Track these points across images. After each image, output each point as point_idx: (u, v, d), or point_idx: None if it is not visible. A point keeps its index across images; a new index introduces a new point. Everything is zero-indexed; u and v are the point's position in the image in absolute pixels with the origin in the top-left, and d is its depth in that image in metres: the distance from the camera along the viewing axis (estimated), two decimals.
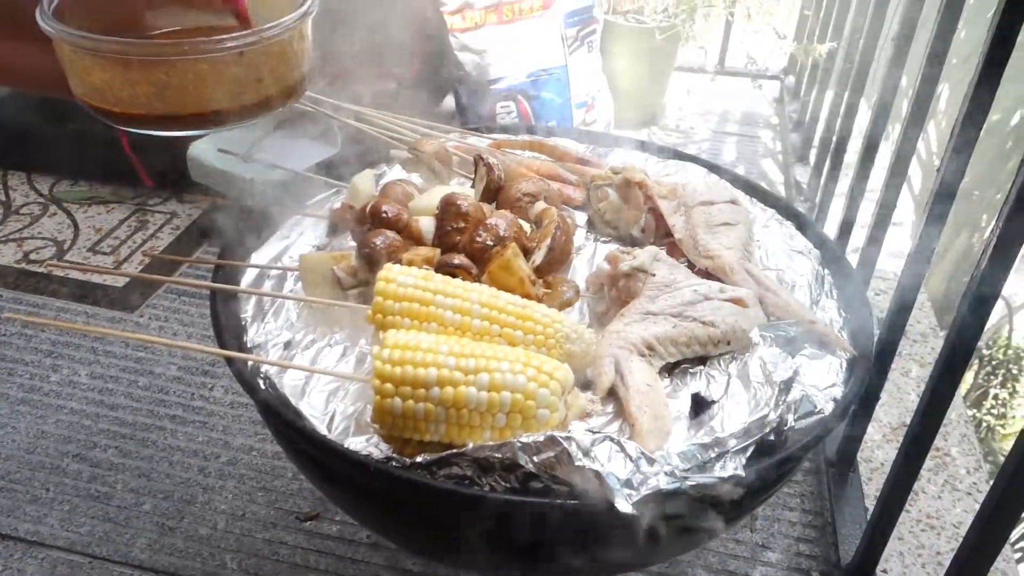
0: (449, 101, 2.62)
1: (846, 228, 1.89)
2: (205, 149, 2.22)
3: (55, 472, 1.64)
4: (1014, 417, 3.50)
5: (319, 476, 0.96)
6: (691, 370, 0.99)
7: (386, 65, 2.15)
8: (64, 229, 2.33)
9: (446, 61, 2.30)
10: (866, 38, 1.95)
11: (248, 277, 1.13)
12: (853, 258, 1.66)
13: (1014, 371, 3.59)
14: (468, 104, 2.37)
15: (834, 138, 2.18)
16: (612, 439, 0.81)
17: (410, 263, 1.02)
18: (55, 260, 2.19)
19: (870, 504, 1.53)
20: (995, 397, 3.55)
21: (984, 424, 3.46)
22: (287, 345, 1.01)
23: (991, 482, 1.71)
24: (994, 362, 3.65)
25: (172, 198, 2.46)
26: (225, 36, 1.00)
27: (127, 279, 2.13)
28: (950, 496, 1.62)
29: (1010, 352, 3.64)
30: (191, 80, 1.00)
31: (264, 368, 0.96)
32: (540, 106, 2.34)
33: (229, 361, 0.97)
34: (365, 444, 0.87)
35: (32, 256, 2.21)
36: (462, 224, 1.10)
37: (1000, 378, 3.58)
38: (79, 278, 2.15)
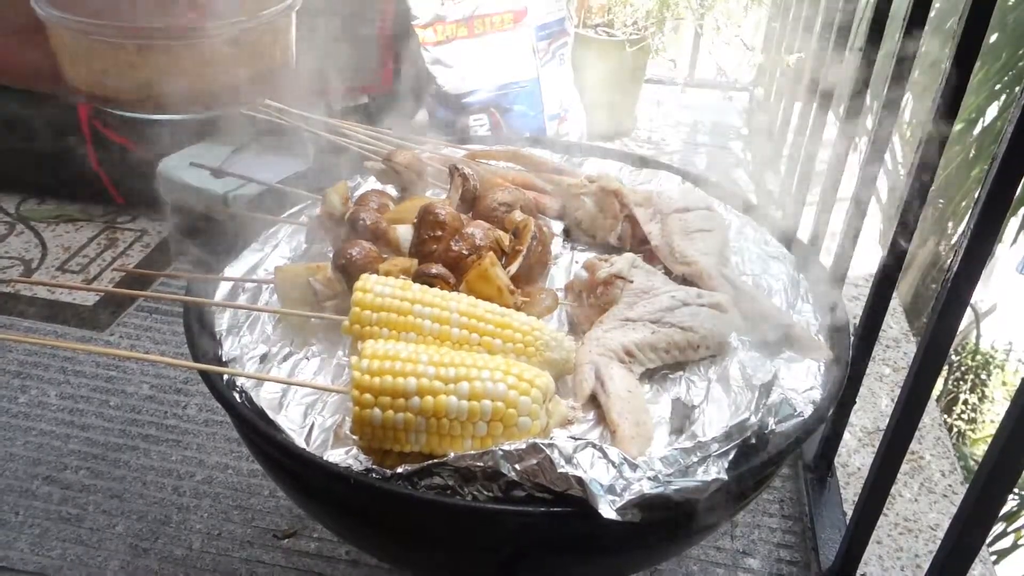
0: (422, 115, 2.63)
1: (817, 236, 1.91)
2: (176, 166, 2.20)
3: (24, 495, 1.60)
4: (983, 422, 3.55)
5: (298, 490, 0.94)
6: (671, 375, 0.99)
7: (359, 79, 2.15)
8: (32, 248, 2.29)
9: (418, 74, 2.30)
10: (832, 49, 1.98)
11: (223, 290, 1.12)
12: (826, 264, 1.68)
13: (983, 376, 3.65)
14: (441, 117, 2.37)
15: (803, 148, 2.20)
16: (594, 445, 0.80)
17: (387, 274, 1.01)
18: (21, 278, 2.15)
19: (848, 508, 1.54)
20: (965, 402, 3.60)
21: (955, 429, 3.51)
22: (263, 358, 1.00)
23: (965, 485, 1.73)
24: (963, 368, 3.70)
25: (141, 216, 2.43)
26: (222, 21, 1.00)
27: (97, 297, 2.10)
28: (926, 499, 1.63)
29: (978, 358, 3.70)
30: (188, 63, 0.99)
31: (240, 382, 0.95)
32: (513, 119, 2.34)
33: (204, 375, 0.95)
34: (344, 456, 0.86)
35: None
36: (439, 233, 1.10)
37: (969, 384, 3.64)
38: (47, 297, 2.11)
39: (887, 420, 1.76)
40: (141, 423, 1.77)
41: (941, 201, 3.60)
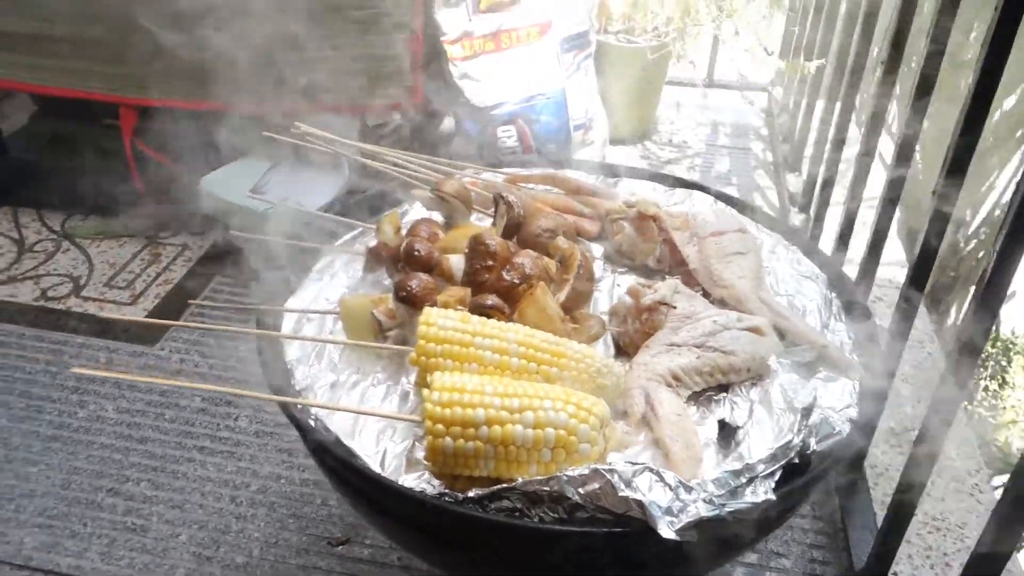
0: (448, 123, 2.69)
1: (843, 240, 1.96)
2: (216, 182, 2.28)
3: (91, 507, 1.69)
4: (1004, 408, 3.59)
5: (372, 511, 1.02)
6: (715, 397, 1.05)
7: (390, 97, 2.22)
8: (79, 265, 2.37)
9: (446, 89, 2.36)
10: (855, 55, 2.03)
11: (288, 320, 1.19)
12: (851, 268, 1.74)
13: (1003, 363, 3.68)
14: (469, 129, 2.43)
15: (826, 149, 2.25)
16: (652, 470, 0.87)
17: (445, 305, 1.08)
18: (75, 295, 2.24)
19: (877, 509, 1.60)
20: (985, 388, 3.64)
21: (976, 416, 3.55)
22: (333, 386, 1.07)
23: (991, 479, 1.79)
24: (983, 355, 3.73)
25: (182, 231, 2.51)
26: None
27: (145, 312, 2.18)
28: (954, 497, 1.69)
29: (999, 345, 3.73)
30: None
31: (315, 409, 1.02)
32: (540, 129, 2.40)
33: (283, 405, 1.03)
34: (417, 481, 0.93)
35: (50, 293, 2.26)
36: (490, 263, 1.16)
37: (989, 370, 3.67)
38: (97, 313, 2.19)
39: (912, 421, 1.83)
40: (195, 435, 1.85)
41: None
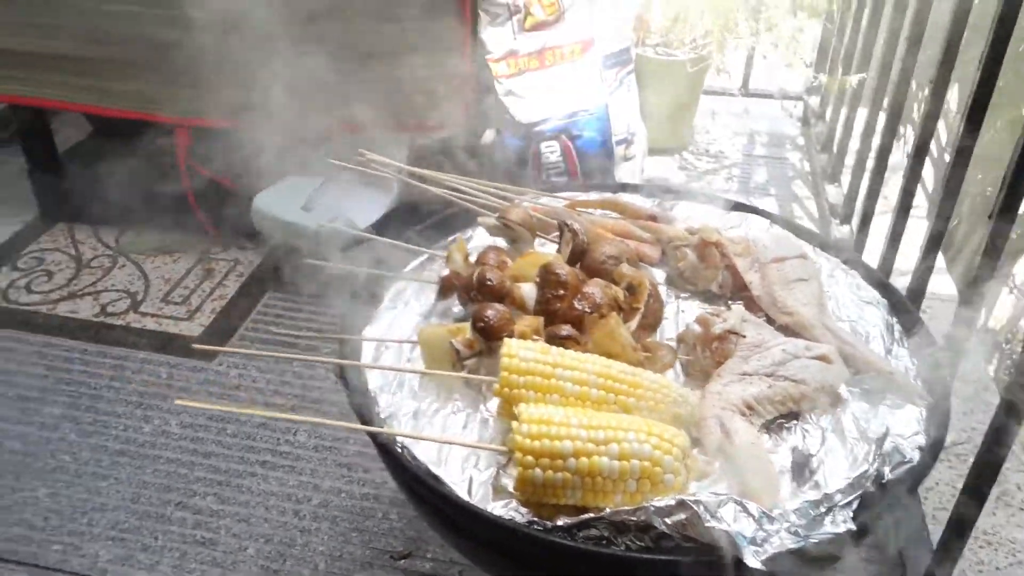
0: (488, 135, 2.73)
1: (889, 256, 1.99)
2: (269, 200, 2.33)
3: (161, 520, 1.75)
4: None
5: (457, 535, 1.06)
6: (786, 424, 1.09)
7: (439, 115, 2.27)
8: (135, 280, 2.44)
9: (491, 106, 2.40)
10: (901, 70, 2.05)
11: (367, 349, 1.24)
12: (899, 281, 1.77)
13: None
14: (512, 144, 2.47)
15: (870, 160, 2.26)
16: (736, 500, 0.91)
17: (522, 335, 1.13)
18: (133, 310, 2.30)
19: (930, 523, 1.62)
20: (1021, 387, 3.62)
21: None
22: (415, 414, 1.12)
23: None
24: (1014, 356, 3.72)
25: (233, 246, 2.57)
26: None
27: (202, 328, 2.25)
28: (1004, 512, 1.71)
29: None
30: None
31: (400, 438, 1.07)
32: (583, 144, 2.44)
33: (371, 434, 1.07)
34: (505, 509, 0.98)
35: (109, 309, 2.32)
36: (561, 292, 1.20)
37: None
38: (155, 329, 2.26)
39: (961, 434, 1.85)
40: (257, 450, 1.91)
41: (990, 189, 3.63)
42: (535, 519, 0.96)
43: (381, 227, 2.26)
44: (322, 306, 2.27)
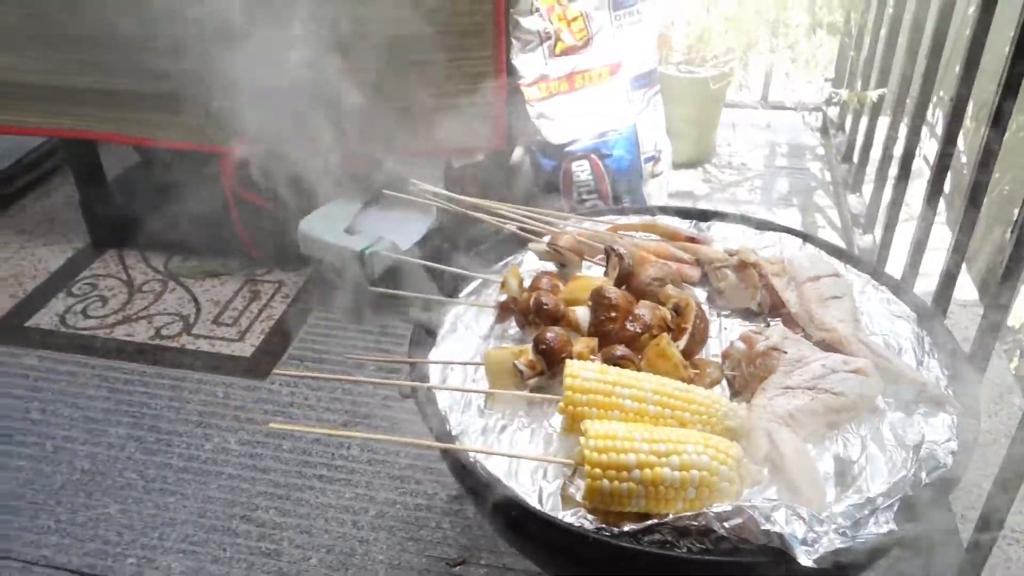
0: (517, 153, 2.83)
1: (915, 263, 2.07)
2: (314, 224, 2.44)
3: (227, 533, 1.85)
4: None
5: (531, 544, 1.16)
6: (827, 434, 1.18)
7: (476, 140, 2.38)
8: (186, 304, 2.55)
9: (524, 129, 2.50)
10: (922, 86, 2.14)
11: (435, 371, 1.33)
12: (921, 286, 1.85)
13: None
14: (544, 164, 2.57)
15: (893, 170, 2.34)
16: (787, 505, 1.00)
17: (581, 356, 1.22)
18: (186, 333, 2.41)
19: (957, 522, 1.70)
20: None
21: None
22: (483, 431, 1.21)
23: None
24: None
25: (276, 268, 2.68)
26: None
27: (253, 348, 2.35)
28: None
29: None
30: None
31: (473, 453, 1.16)
32: (612, 163, 2.53)
33: (444, 451, 1.17)
34: (574, 517, 1.07)
35: (163, 332, 2.43)
36: (613, 314, 1.30)
37: None
38: (209, 350, 2.36)
39: (984, 435, 1.92)
40: (313, 464, 2.01)
41: (1007, 188, 3.69)
42: (602, 526, 1.05)
43: (422, 247, 2.36)
44: (366, 326, 2.38)
